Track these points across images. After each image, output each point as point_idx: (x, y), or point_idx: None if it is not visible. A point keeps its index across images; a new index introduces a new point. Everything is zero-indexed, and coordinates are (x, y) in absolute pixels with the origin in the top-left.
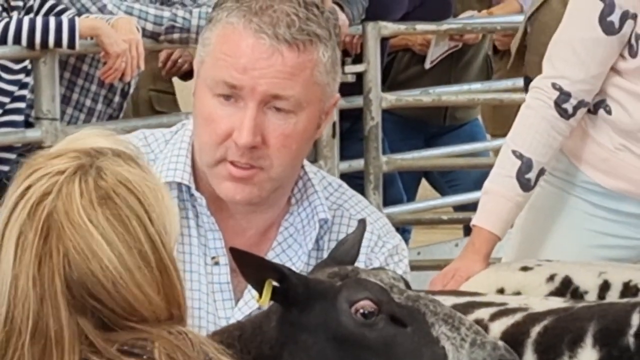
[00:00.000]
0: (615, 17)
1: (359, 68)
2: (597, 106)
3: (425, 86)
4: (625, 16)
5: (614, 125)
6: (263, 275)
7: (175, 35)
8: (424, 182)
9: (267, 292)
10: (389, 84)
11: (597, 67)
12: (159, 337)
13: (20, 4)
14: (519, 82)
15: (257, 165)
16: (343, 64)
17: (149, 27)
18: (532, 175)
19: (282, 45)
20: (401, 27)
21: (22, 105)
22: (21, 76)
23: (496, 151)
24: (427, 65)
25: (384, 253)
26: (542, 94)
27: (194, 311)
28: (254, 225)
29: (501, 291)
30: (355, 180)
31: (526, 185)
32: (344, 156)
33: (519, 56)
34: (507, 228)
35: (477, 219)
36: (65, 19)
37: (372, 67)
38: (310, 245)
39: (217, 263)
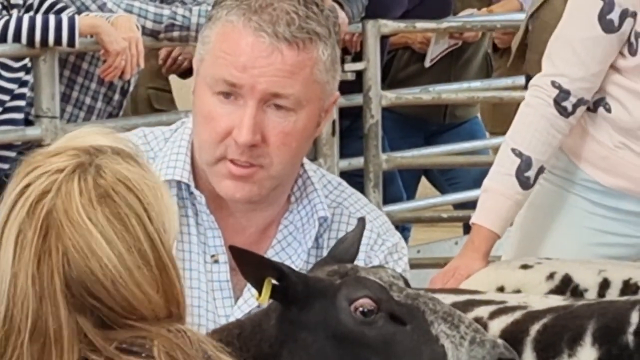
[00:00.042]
0: (614, 15)
1: (358, 66)
2: (597, 104)
3: (425, 84)
4: (624, 14)
5: (613, 123)
6: (262, 273)
7: (175, 33)
8: (423, 180)
9: (266, 290)
10: (388, 82)
11: (596, 65)
12: (158, 335)
13: (20, 2)
14: (519, 80)
15: (257, 163)
16: (343, 62)
17: (149, 25)
18: (531, 173)
19: (282, 44)
20: (401, 25)
21: (22, 103)
22: (21, 74)
23: (495, 149)
24: (427, 63)
25: (383, 251)
26: (542, 92)
27: (194, 309)
28: (253, 224)
29: (501, 289)
30: (355, 178)
31: (525, 184)
32: (343, 154)
33: (519, 54)
34: (506, 226)
35: (476, 217)
36: (65, 17)
37: (372, 65)
38: (310, 243)
39: (216, 261)
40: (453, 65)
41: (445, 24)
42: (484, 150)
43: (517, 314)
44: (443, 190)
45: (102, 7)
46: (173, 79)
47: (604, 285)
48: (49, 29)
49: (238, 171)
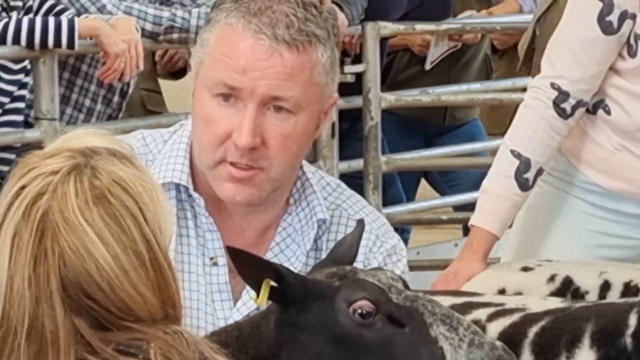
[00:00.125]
0: (614, 17)
1: (358, 68)
2: (596, 106)
3: (424, 86)
4: (624, 16)
5: (613, 126)
6: (261, 274)
7: (175, 36)
8: (423, 182)
9: (264, 291)
10: (388, 84)
11: (595, 66)
12: (155, 337)
13: (20, 4)
14: (518, 82)
15: (256, 166)
16: (342, 64)
17: (148, 27)
18: (530, 175)
19: (282, 46)
20: (400, 27)
21: (21, 105)
22: (20, 76)
23: (494, 151)
24: (428, 66)
25: (382, 253)
26: (541, 93)
27: (193, 312)
28: (252, 226)
29: (502, 292)
30: (355, 180)
31: (524, 185)
32: (343, 156)
33: (526, 60)
34: (505, 228)
35: (475, 219)
36: (64, 19)
37: (372, 67)
38: (309, 245)
39: (215, 264)
40: (453, 67)
41: (444, 25)
42: (484, 152)
43: (515, 317)
44: (443, 192)
45: (101, 9)
46: (161, 81)
47: (605, 287)
48: (48, 31)
49: (238, 174)
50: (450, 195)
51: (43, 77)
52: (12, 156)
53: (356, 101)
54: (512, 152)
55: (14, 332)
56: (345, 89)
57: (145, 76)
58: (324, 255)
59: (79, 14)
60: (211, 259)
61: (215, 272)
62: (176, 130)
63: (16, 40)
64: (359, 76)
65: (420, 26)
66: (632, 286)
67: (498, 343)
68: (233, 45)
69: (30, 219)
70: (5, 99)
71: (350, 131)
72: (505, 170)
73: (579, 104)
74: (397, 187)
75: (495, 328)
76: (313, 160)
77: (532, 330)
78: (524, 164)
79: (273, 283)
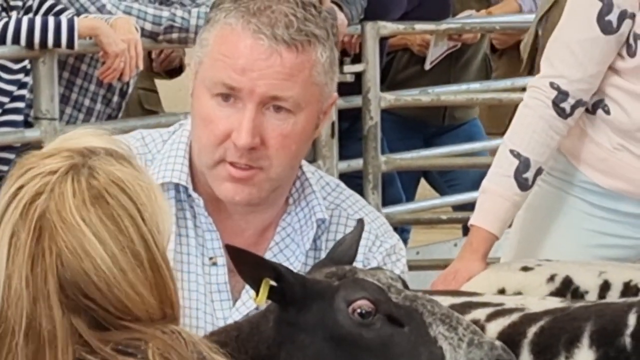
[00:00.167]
0: (613, 17)
1: (357, 68)
2: (596, 106)
3: (424, 86)
4: (623, 15)
5: (612, 125)
6: (260, 273)
7: (174, 35)
8: (423, 182)
9: (264, 290)
10: (388, 83)
11: (594, 66)
12: (153, 337)
13: (20, 3)
14: (518, 81)
15: (256, 165)
16: (342, 63)
17: (148, 27)
18: (529, 174)
19: (281, 46)
20: (400, 26)
21: (21, 105)
22: (20, 76)
23: (493, 151)
24: (427, 66)
25: (381, 253)
26: (540, 93)
27: (192, 311)
28: (252, 226)
29: (502, 291)
30: (354, 180)
31: (524, 185)
32: (342, 156)
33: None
34: (504, 227)
35: (474, 219)
36: (64, 18)
37: (371, 66)
38: (308, 245)
39: (214, 263)
40: (452, 67)
41: (444, 25)
42: (483, 152)
43: (514, 316)
44: (442, 192)
45: (101, 9)
46: (170, 81)
47: (605, 287)
48: (48, 30)
49: (237, 174)
50: (449, 195)
51: (43, 76)
52: (11, 156)
53: (356, 101)
54: (512, 151)
55: (11, 332)
56: (345, 89)
57: (142, 75)
58: (323, 255)
59: (78, 14)
60: (210, 258)
61: (215, 272)
62: (175, 130)
63: (16, 40)
64: (359, 76)
65: (419, 26)
66: (631, 286)
67: (497, 343)
68: (232, 45)
69: (27, 218)
70: (5, 99)
71: (349, 131)
72: (504, 170)
73: (579, 103)
74: (396, 187)
75: (494, 328)
76: (312, 159)
77: (531, 330)
78: (524, 164)
79: (272, 282)
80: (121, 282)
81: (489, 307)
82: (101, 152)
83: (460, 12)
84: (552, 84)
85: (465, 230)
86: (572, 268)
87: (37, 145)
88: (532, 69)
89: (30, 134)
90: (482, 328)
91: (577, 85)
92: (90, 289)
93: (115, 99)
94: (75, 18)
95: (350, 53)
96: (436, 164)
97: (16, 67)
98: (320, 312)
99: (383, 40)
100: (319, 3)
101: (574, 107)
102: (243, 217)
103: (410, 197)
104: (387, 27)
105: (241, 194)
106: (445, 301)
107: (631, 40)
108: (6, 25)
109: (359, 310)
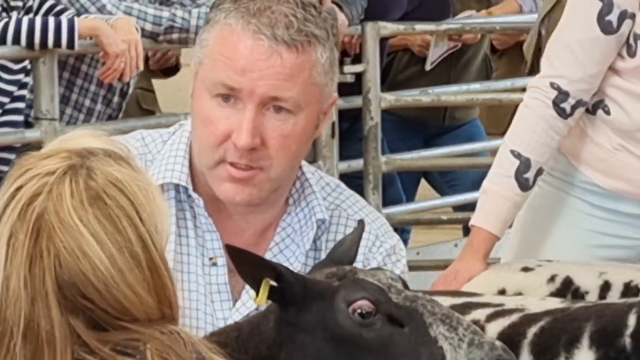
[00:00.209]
0: (613, 17)
1: (358, 68)
2: (596, 106)
3: (424, 86)
4: (623, 15)
5: (612, 126)
6: (260, 273)
7: (175, 36)
8: (423, 182)
9: (264, 290)
10: (388, 84)
11: (595, 66)
12: (151, 337)
13: (20, 4)
14: (518, 82)
15: (256, 166)
16: (342, 64)
17: (148, 27)
18: (530, 174)
19: (281, 47)
20: (400, 27)
21: (21, 105)
22: (20, 76)
23: (493, 152)
24: (428, 67)
25: (381, 253)
26: (541, 93)
27: (192, 312)
28: (251, 226)
29: (502, 292)
30: (355, 180)
31: (525, 185)
32: (343, 156)
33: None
34: (505, 228)
35: (475, 219)
36: (64, 19)
37: (371, 67)
38: (308, 245)
39: (214, 264)
40: (453, 67)
41: (444, 25)
42: (484, 152)
43: (514, 317)
44: (442, 192)
45: (101, 9)
46: (170, 81)
47: (605, 287)
48: (48, 31)
49: (238, 174)
50: (450, 195)
51: (43, 77)
52: (12, 156)
53: (356, 101)
54: (512, 152)
55: (10, 333)
56: (345, 89)
57: (139, 75)
58: (323, 255)
59: (78, 14)
60: (210, 259)
61: (215, 272)
62: (175, 131)
63: (16, 40)
64: (359, 76)
65: (420, 26)
66: (632, 286)
67: (498, 343)
68: (232, 45)
69: (25, 219)
70: (5, 99)
71: (350, 131)
72: (505, 170)
73: (579, 103)
74: (396, 187)
75: (494, 328)
76: (313, 160)
77: (531, 331)
78: (524, 164)
79: (272, 282)
80: (119, 283)
81: (488, 307)
82: (99, 153)
83: (460, 12)
84: (552, 84)
85: (466, 231)
86: (573, 268)
87: (37, 145)
88: (536, 69)
89: (31, 135)
90: (482, 328)
91: (577, 86)
92: (89, 290)
93: (116, 99)
94: (76, 18)
95: (351, 53)
96: (436, 164)
97: (16, 67)
98: (320, 312)
99: (383, 40)
100: (319, 3)
101: (574, 107)
102: (243, 218)
103: (410, 198)
104: (388, 27)
105: (241, 194)
106: (445, 301)
107: (631, 41)
108: (6, 25)
109: (359, 311)
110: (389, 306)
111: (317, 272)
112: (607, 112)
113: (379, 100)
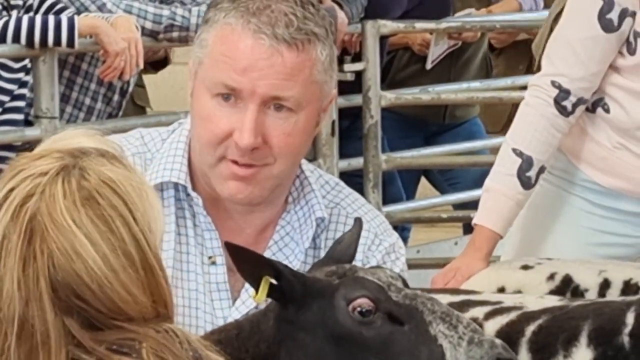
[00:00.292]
0: (614, 15)
1: (358, 66)
2: (596, 105)
3: (424, 84)
4: (624, 14)
5: (612, 124)
6: (259, 271)
7: (175, 34)
8: (423, 181)
9: (263, 288)
10: (388, 82)
11: (595, 64)
12: (147, 336)
13: (20, 2)
14: (518, 80)
15: (258, 164)
16: (342, 62)
17: (148, 25)
18: (532, 173)
19: (282, 46)
20: (400, 25)
21: (21, 103)
22: (21, 75)
23: (494, 149)
24: (429, 65)
25: (380, 251)
26: (542, 91)
27: (192, 311)
28: (251, 225)
29: (502, 290)
30: (355, 179)
31: (527, 183)
32: (343, 154)
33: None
34: (508, 226)
35: (478, 218)
36: (64, 17)
37: (372, 65)
38: (307, 243)
39: (214, 263)
40: (453, 66)
41: (444, 24)
42: (484, 151)
43: (513, 315)
44: (442, 191)
45: (101, 8)
46: (170, 80)
47: (605, 285)
48: (48, 29)
49: (241, 172)
50: (450, 193)
51: (43, 75)
52: (12, 154)
53: (356, 99)
54: (514, 150)
55: (4, 334)
56: (345, 87)
57: None
58: (322, 253)
59: (78, 13)
60: (210, 258)
61: (214, 271)
62: (175, 129)
63: (16, 38)
64: (359, 74)
65: (420, 25)
66: (632, 284)
67: (497, 341)
68: (233, 45)
69: (18, 221)
70: (6, 98)
71: (350, 129)
72: (507, 168)
73: (580, 101)
74: (397, 186)
75: (492, 326)
76: (313, 158)
77: (530, 329)
78: (526, 162)
79: (272, 280)
80: (113, 283)
81: (487, 305)
82: (92, 153)
83: (460, 10)
84: (553, 82)
85: (466, 229)
86: (572, 266)
87: (37, 144)
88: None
89: (31, 133)
90: (480, 326)
91: (578, 84)
92: (82, 290)
93: (116, 97)
94: (76, 17)
95: (351, 52)
96: (437, 162)
97: (17, 66)
98: (320, 310)
99: (383, 39)
100: (319, 1)
101: (575, 105)
102: (242, 217)
103: (410, 196)
104: (388, 25)
105: (244, 191)
106: (444, 299)
107: (631, 38)
108: (6, 24)
109: (359, 309)
110: (388, 304)
111: (317, 271)
112: (607, 111)
113: (379, 98)
